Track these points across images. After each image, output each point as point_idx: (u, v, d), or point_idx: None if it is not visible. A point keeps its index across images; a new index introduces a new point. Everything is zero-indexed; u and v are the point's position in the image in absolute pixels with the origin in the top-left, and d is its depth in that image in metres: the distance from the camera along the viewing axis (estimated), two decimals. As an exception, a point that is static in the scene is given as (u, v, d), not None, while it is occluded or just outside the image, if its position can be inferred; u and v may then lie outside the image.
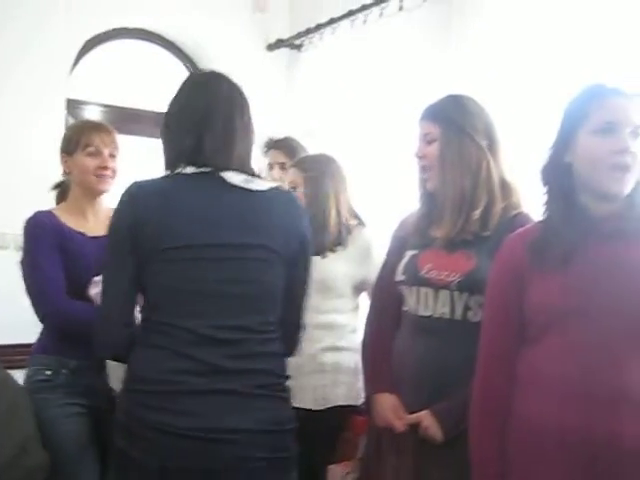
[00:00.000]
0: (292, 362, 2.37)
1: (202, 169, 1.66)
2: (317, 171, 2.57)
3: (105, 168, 2.29)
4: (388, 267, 2.06)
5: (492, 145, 1.94)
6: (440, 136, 1.92)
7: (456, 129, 1.91)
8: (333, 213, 2.51)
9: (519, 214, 1.90)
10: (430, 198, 1.98)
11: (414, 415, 1.84)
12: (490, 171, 1.90)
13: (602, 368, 1.49)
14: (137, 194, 1.66)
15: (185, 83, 1.79)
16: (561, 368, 1.53)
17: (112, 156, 2.32)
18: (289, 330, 1.78)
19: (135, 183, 1.68)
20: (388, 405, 1.92)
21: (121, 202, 1.68)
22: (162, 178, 1.70)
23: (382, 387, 1.97)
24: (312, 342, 2.40)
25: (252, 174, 1.71)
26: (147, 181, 1.69)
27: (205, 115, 1.69)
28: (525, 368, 1.61)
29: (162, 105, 1.85)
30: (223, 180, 1.66)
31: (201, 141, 1.67)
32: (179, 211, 1.64)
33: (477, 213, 1.86)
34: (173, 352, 1.59)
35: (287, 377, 1.75)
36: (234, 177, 1.67)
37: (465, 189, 1.88)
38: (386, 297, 2.05)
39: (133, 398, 1.61)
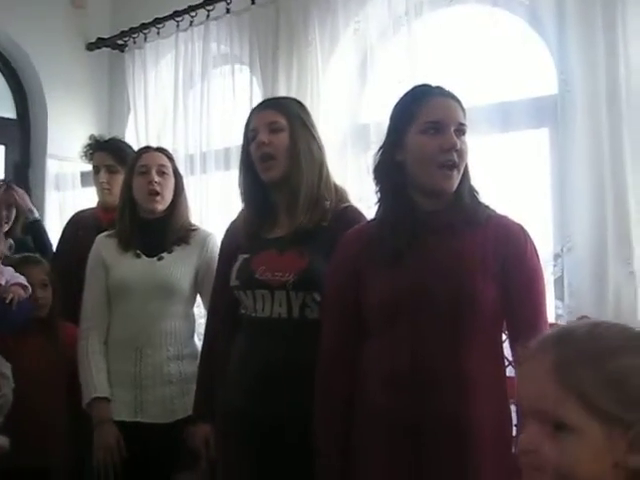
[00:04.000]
0: (137, 374, 2.27)
1: None
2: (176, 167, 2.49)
3: None
4: (221, 273, 2.02)
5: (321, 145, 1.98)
6: (289, 127, 1.90)
7: (302, 124, 1.92)
8: (187, 212, 2.47)
9: (349, 207, 1.95)
10: (262, 194, 1.95)
11: None
12: (328, 170, 1.95)
13: (433, 355, 1.55)
14: None
15: None
16: (394, 358, 1.58)
17: None
18: None
19: None
20: (200, 436, 2.02)
21: None
22: None
23: (202, 416, 2.04)
24: (156, 350, 2.31)
25: None
26: None
27: None
28: (364, 361, 1.65)
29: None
30: None
31: None
32: None
33: (328, 205, 1.89)
34: None
35: None
36: None
37: (314, 182, 1.89)
38: (222, 304, 2.02)
39: None
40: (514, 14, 2.61)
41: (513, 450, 1.56)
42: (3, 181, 3.25)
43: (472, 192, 1.67)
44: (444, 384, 1.54)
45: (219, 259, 2.09)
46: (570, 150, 2.32)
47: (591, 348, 0.92)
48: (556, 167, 2.45)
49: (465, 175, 1.66)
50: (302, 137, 1.91)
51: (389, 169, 1.68)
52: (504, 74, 2.52)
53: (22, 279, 2.42)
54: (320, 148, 1.95)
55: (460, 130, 1.63)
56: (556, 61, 2.43)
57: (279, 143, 1.89)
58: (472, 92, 2.53)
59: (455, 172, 1.61)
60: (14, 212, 3.16)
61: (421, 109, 1.63)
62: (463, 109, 1.66)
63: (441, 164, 1.60)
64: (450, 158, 1.60)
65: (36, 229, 3.20)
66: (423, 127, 1.62)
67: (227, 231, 2.08)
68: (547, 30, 2.47)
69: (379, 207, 1.72)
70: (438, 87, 1.69)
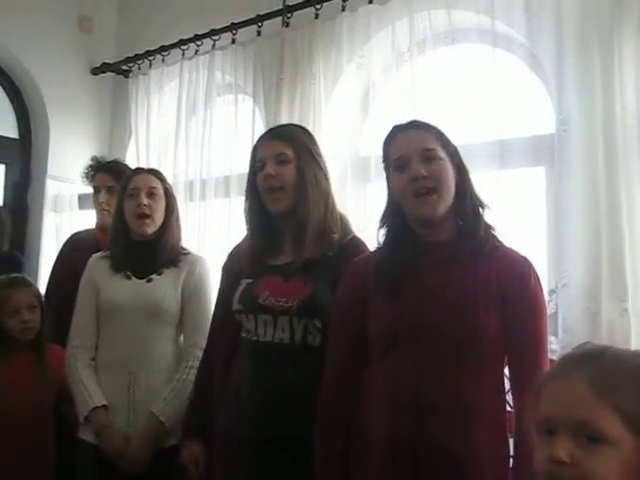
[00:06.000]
0: (130, 399, 2.27)
1: None
2: (170, 187, 2.49)
3: None
4: (222, 298, 2.04)
5: (327, 173, 2.00)
6: (296, 158, 1.92)
7: (310, 155, 1.95)
8: (178, 234, 2.47)
9: (353, 238, 1.97)
10: (265, 223, 1.97)
11: None
12: (333, 199, 1.97)
13: (433, 386, 1.56)
14: None
15: None
16: (395, 387, 1.60)
17: None
18: None
19: None
20: (189, 455, 2.01)
21: None
22: None
23: (192, 435, 2.04)
24: (150, 374, 2.30)
25: None
26: None
27: None
28: (365, 388, 1.67)
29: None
30: None
31: None
32: None
33: (336, 237, 1.91)
34: None
35: None
36: None
37: (321, 213, 1.91)
38: (222, 327, 2.03)
39: None
40: (514, 54, 2.68)
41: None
42: None
43: (478, 220, 1.68)
44: (444, 413, 1.55)
45: (221, 283, 2.10)
46: (566, 188, 2.36)
47: (623, 368, 1.01)
48: (552, 204, 2.50)
49: (462, 201, 1.68)
50: (309, 168, 1.93)
51: (391, 209, 1.74)
52: (503, 112, 2.57)
53: None
54: (327, 178, 1.97)
55: (426, 156, 1.65)
56: (554, 101, 2.49)
57: (286, 175, 1.91)
58: (471, 129, 2.59)
59: (434, 197, 1.64)
60: None
61: (389, 150, 1.71)
62: (435, 133, 1.69)
63: (413, 194, 1.64)
64: (422, 185, 1.63)
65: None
66: (393, 166, 1.69)
67: (230, 256, 2.10)
68: (546, 71, 2.54)
69: (385, 238, 1.75)
70: (405, 123, 1.73)
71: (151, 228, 2.39)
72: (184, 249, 2.49)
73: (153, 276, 2.38)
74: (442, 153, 1.67)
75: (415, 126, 1.70)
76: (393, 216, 1.72)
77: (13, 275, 2.69)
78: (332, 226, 1.93)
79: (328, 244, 1.91)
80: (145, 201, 2.36)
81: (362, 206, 2.85)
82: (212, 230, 3.37)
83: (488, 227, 1.69)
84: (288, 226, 1.95)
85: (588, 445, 0.96)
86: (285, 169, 1.91)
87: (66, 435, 2.46)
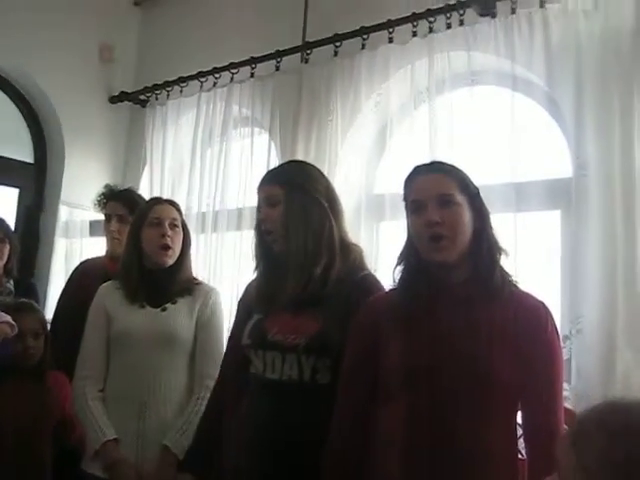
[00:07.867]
0: (140, 430, 2.23)
1: None
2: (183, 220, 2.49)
3: None
4: (235, 333, 2.02)
5: (332, 207, 1.96)
6: (284, 197, 1.91)
7: (299, 190, 1.92)
8: (191, 265, 2.46)
9: (366, 275, 1.93)
10: (273, 261, 1.96)
11: None
12: (332, 231, 1.92)
13: (444, 426, 1.53)
14: None
15: None
16: (407, 427, 1.56)
17: None
18: None
19: None
20: None
21: None
22: None
23: (188, 466, 2.03)
24: (160, 405, 2.27)
25: None
26: None
27: None
28: (377, 428, 1.63)
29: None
30: None
31: None
32: None
33: (318, 271, 1.86)
34: None
35: None
36: None
37: (308, 248, 1.88)
38: (234, 361, 2.00)
39: None
40: (531, 98, 2.68)
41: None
42: None
43: (493, 264, 1.65)
44: (454, 458, 1.51)
45: (235, 318, 2.08)
46: (583, 233, 2.35)
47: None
48: (567, 248, 2.48)
49: (479, 245, 1.65)
50: (297, 204, 1.91)
51: (409, 247, 1.72)
52: (519, 155, 2.57)
53: (9, 318, 2.39)
54: (323, 209, 1.93)
55: (443, 201, 1.64)
56: (572, 145, 2.49)
57: (275, 216, 1.91)
58: (487, 171, 2.58)
59: (445, 243, 1.62)
60: (7, 246, 3.08)
61: (408, 191, 1.70)
62: (455, 177, 1.67)
63: (428, 239, 1.63)
64: (435, 231, 1.62)
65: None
66: (410, 208, 1.68)
67: (245, 291, 2.09)
68: (564, 115, 2.54)
69: (401, 278, 1.72)
70: (426, 165, 1.73)
71: (171, 260, 2.38)
72: (196, 279, 2.49)
73: (167, 305, 2.36)
74: (459, 198, 1.65)
75: (435, 169, 1.69)
76: (410, 255, 1.71)
77: (21, 300, 2.67)
78: (323, 258, 1.87)
79: (322, 277, 1.86)
80: (169, 232, 2.36)
81: (375, 244, 2.83)
82: (223, 262, 3.36)
83: (504, 273, 1.67)
84: (287, 263, 1.92)
85: None
86: (274, 211, 1.92)
87: (64, 463, 2.42)
